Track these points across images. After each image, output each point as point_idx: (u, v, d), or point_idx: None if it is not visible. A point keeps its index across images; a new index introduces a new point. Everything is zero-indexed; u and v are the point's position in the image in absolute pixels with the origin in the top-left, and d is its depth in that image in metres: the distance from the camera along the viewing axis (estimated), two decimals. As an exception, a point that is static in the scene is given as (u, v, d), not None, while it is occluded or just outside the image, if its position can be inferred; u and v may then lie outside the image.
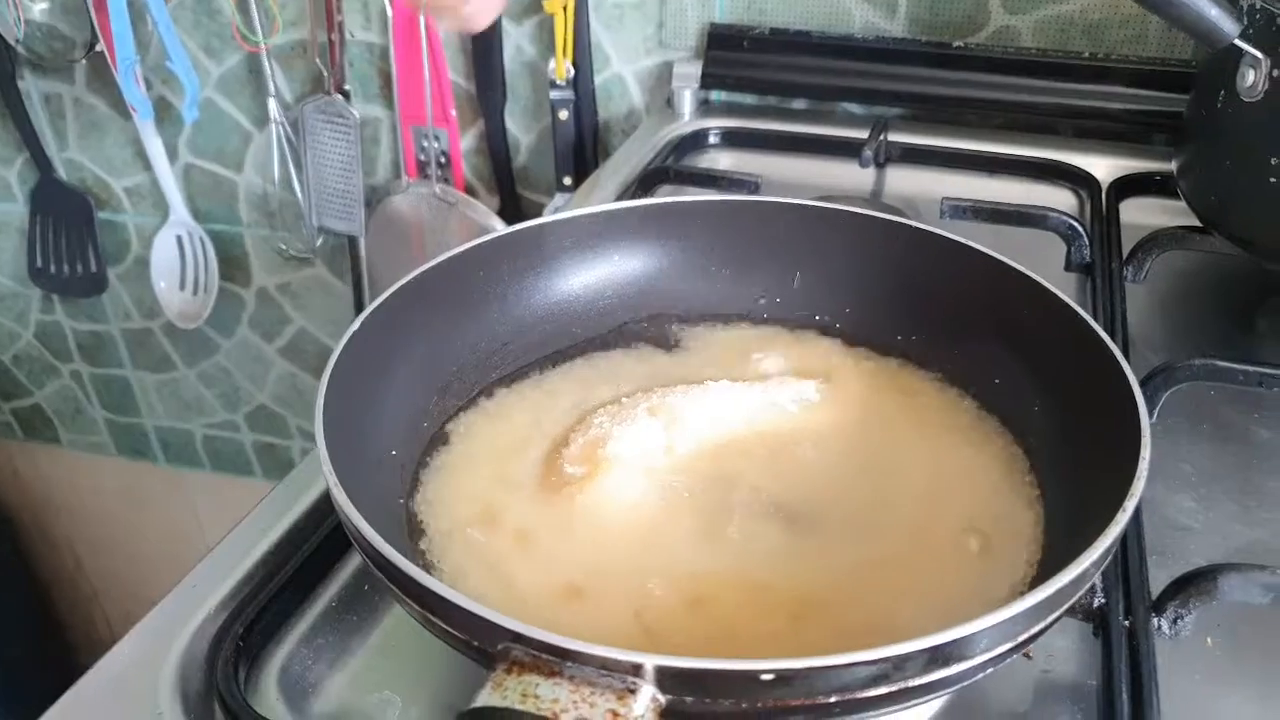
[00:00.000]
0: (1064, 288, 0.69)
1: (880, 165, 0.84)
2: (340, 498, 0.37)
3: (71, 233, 1.21)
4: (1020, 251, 0.74)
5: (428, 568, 0.42)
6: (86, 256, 1.22)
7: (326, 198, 1.07)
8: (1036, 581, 0.40)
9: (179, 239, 1.18)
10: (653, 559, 0.42)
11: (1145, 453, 0.39)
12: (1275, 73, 0.56)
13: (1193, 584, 0.42)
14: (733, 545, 0.42)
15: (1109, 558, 0.37)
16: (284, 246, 1.15)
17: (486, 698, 0.30)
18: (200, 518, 1.47)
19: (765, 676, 0.30)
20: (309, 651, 0.46)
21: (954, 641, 0.32)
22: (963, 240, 0.51)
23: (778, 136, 0.87)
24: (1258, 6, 0.57)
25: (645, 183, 0.77)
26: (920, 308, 0.52)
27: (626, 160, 0.87)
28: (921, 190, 0.81)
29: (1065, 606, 0.36)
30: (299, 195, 1.08)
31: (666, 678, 0.31)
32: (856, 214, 0.53)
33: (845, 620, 0.39)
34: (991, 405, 0.49)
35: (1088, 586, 0.38)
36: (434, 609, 0.34)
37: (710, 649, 0.38)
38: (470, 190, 1.05)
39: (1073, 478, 0.42)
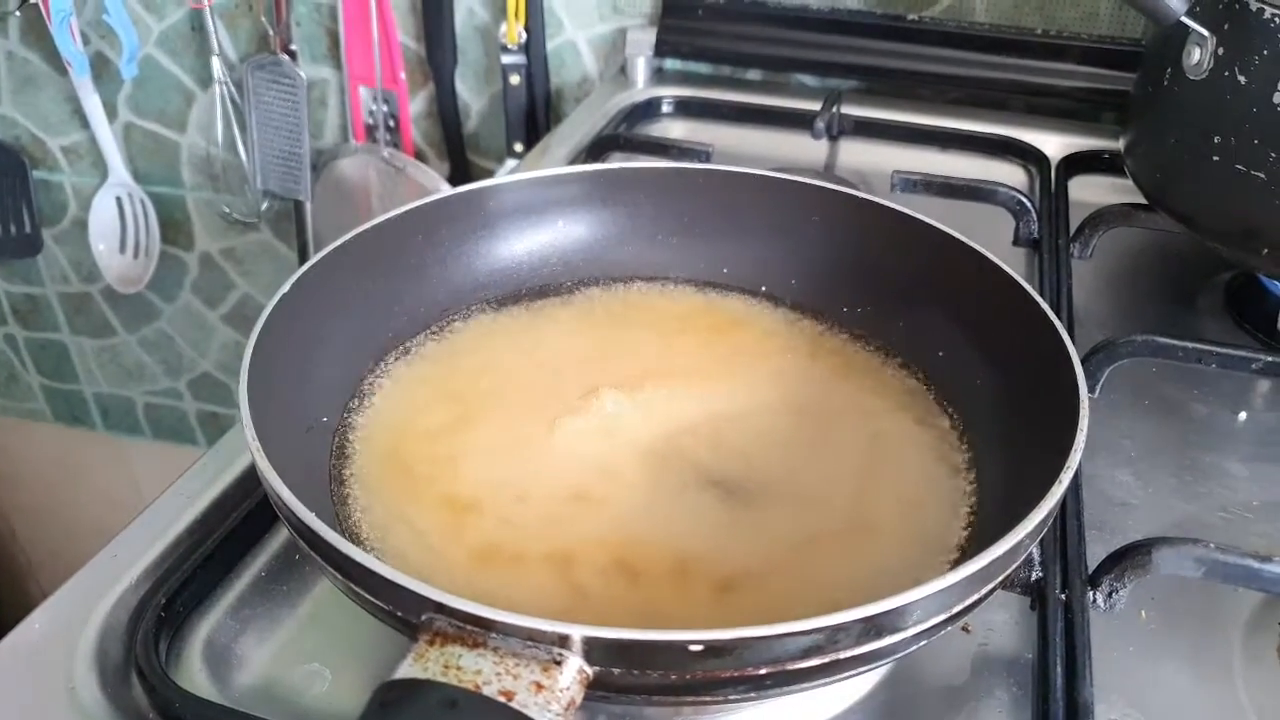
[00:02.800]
0: (1012, 263, 0.70)
1: (833, 138, 0.84)
2: (263, 464, 0.36)
3: (4, 192, 1.17)
4: (970, 226, 0.74)
5: (354, 536, 0.41)
6: (21, 217, 1.18)
7: (272, 161, 1.04)
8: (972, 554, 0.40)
9: (119, 200, 1.15)
10: (587, 527, 0.41)
11: (1083, 424, 0.38)
12: (1220, 51, 0.56)
13: (1127, 557, 0.42)
14: (668, 517, 0.42)
15: (1044, 530, 0.37)
16: (228, 210, 1.12)
17: (408, 669, 0.30)
18: (141, 487, 1.44)
19: (694, 648, 0.30)
20: (236, 622, 0.45)
21: (888, 612, 0.32)
22: (910, 212, 0.51)
23: (731, 107, 0.86)
24: (1206, -17, 0.57)
25: (595, 150, 0.76)
26: (867, 280, 0.52)
27: (577, 127, 0.85)
28: (874, 164, 0.81)
29: (1000, 579, 0.36)
30: (243, 158, 1.05)
31: (594, 649, 0.30)
32: (803, 184, 0.52)
33: (777, 591, 0.38)
34: (934, 378, 0.49)
35: (1022, 559, 0.38)
36: (356, 578, 0.33)
37: (639, 620, 0.38)
38: (420, 155, 1.03)
39: (1011, 453, 0.42)
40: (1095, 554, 0.46)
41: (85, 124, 1.10)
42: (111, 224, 1.15)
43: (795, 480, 0.44)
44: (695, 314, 0.54)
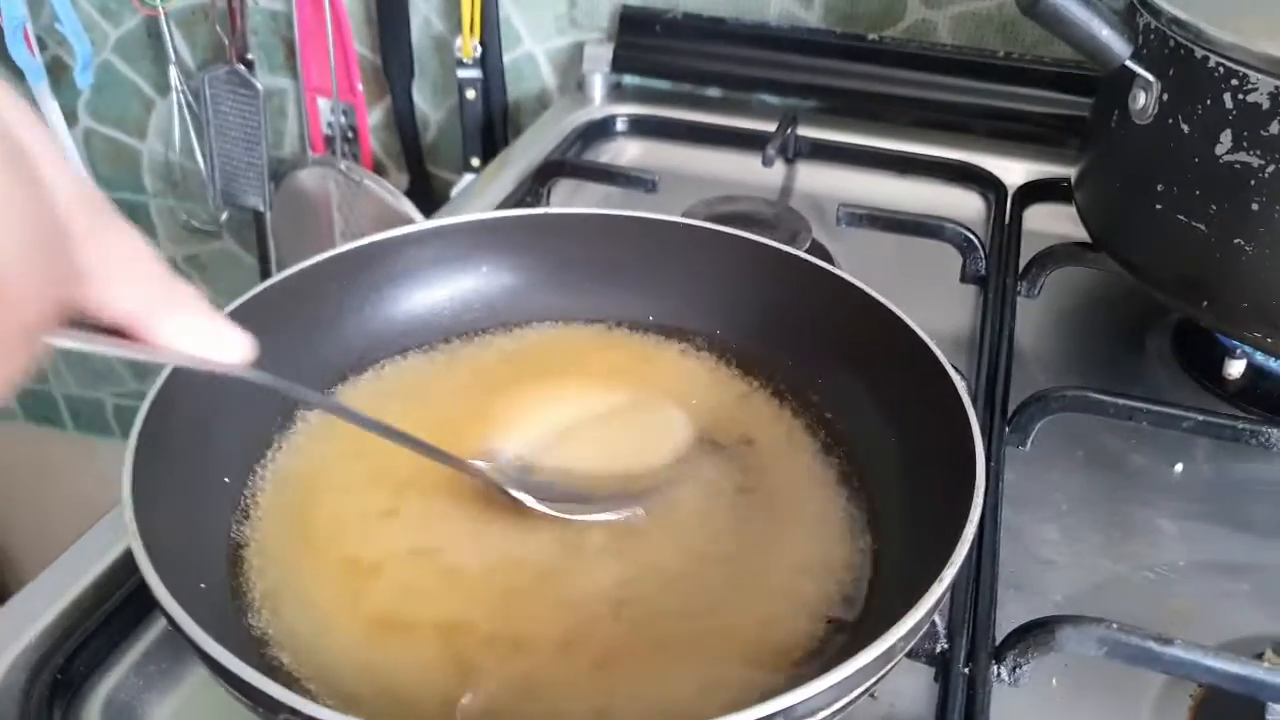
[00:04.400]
0: (959, 300, 0.70)
1: (790, 160, 0.83)
2: (140, 556, 0.35)
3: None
4: (924, 260, 0.74)
5: (246, 604, 0.41)
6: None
7: (232, 170, 1.03)
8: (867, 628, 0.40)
9: (80, 205, 1.13)
10: (476, 594, 0.41)
11: (974, 513, 0.37)
12: (1165, 97, 0.55)
13: (1031, 634, 0.41)
14: (556, 585, 0.41)
15: (933, 612, 0.36)
16: (187, 218, 1.11)
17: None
18: (111, 487, 1.43)
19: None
20: (139, 679, 0.45)
21: (781, 712, 0.31)
22: (828, 267, 0.50)
23: (686, 127, 0.85)
24: (1152, 26, 0.56)
25: (541, 175, 0.75)
26: (788, 333, 0.51)
27: (533, 143, 0.84)
28: (830, 189, 0.80)
29: (895, 660, 0.36)
30: (202, 166, 1.04)
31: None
32: (722, 233, 0.51)
33: (659, 669, 0.38)
34: (844, 438, 0.48)
35: (919, 636, 0.37)
36: (219, 674, 0.32)
37: (523, 695, 0.37)
38: (379, 167, 1.02)
39: (913, 525, 0.42)
40: (1010, 615, 0.45)
41: (45, 129, 1.09)
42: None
43: (688, 545, 0.43)
44: (604, 356, 0.53)
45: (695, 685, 0.37)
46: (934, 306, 0.67)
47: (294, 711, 0.30)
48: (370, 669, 0.38)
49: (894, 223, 0.69)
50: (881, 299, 0.47)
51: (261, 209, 1.03)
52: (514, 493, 0.43)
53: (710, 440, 0.49)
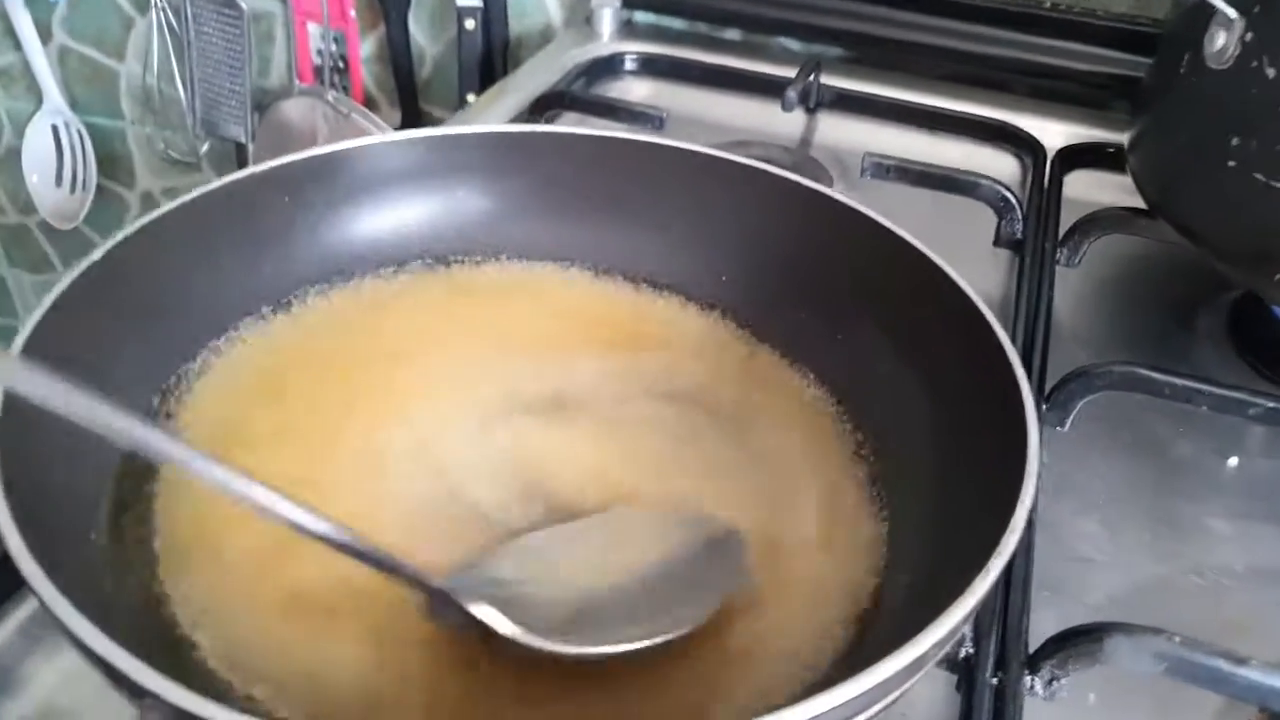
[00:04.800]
0: (991, 266, 0.63)
1: (810, 110, 0.76)
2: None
3: (-67, 113, 1.09)
4: (954, 221, 0.67)
5: (146, 558, 0.34)
6: (-50, 140, 1.11)
7: (213, 97, 0.96)
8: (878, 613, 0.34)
9: (54, 129, 1.07)
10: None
11: (1028, 488, 0.31)
12: (1248, 37, 0.48)
13: (1073, 643, 0.35)
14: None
15: (974, 613, 0.30)
16: (166, 148, 1.04)
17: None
18: None
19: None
20: (25, 641, 0.39)
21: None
22: (857, 206, 0.43)
23: (701, 69, 0.78)
24: (1237, -45, 0.49)
25: (539, 106, 0.68)
26: (805, 283, 0.44)
27: (532, 76, 0.77)
28: (852, 143, 0.73)
29: (919, 673, 0.29)
30: (181, 93, 0.97)
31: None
32: (737, 163, 0.45)
33: (634, 683, 0.32)
34: (860, 406, 0.41)
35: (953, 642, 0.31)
36: (87, 653, 0.26)
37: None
38: (370, 102, 0.95)
39: (944, 511, 0.35)
40: (1042, 622, 0.39)
41: (18, 44, 1.02)
42: (47, 154, 1.08)
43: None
44: (592, 309, 0.46)
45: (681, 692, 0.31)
46: (964, 270, 0.60)
47: (158, 697, 0.24)
48: (287, 649, 0.32)
49: (924, 176, 0.63)
50: (925, 250, 0.41)
51: (243, 140, 0.97)
52: (499, 627, 0.31)
53: (707, 409, 0.42)
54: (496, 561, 0.34)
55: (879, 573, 0.35)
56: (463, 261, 0.47)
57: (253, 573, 0.34)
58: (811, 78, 0.73)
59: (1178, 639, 0.34)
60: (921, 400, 0.38)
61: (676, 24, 0.84)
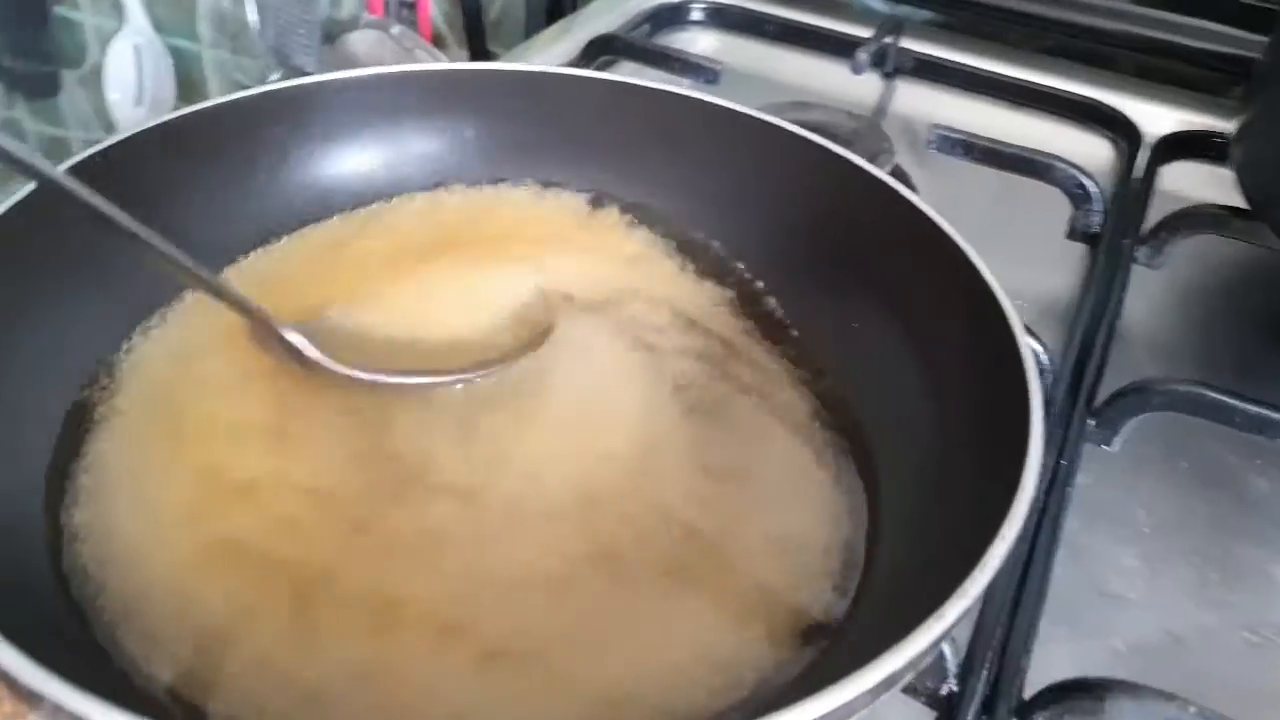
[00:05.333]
0: (1063, 258, 0.57)
1: (887, 75, 0.70)
2: None
3: (23, 24, 1.11)
4: (1026, 207, 0.61)
5: (67, 487, 0.32)
6: (38, 53, 1.12)
7: (285, 25, 0.95)
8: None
9: (136, 49, 1.07)
10: (358, 546, 0.31)
11: (1023, 495, 0.27)
12: (1379, 15, 0.42)
13: (1071, 698, 0.30)
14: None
15: (945, 636, 0.25)
16: (241, 76, 1.03)
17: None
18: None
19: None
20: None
21: None
22: (867, 167, 0.38)
23: (773, 24, 0.73)
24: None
25: (590, 51, 0.64)
26: (802, 250, 0.40)
27: (594, 19, 0.73)
28: (930, 114, 0.67)
29: (882, 695, 0.25)
30: (252, 18, 0.96)
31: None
32: (744, 115, 0.41)
33: (562, 667, 0.28)
34: (845, 388, 0.37)
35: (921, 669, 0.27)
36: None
37: (362, 681, 0.28)
38: (438, 39, 0.93)
39: (930, 513, 0.31)
40: (1050, 657, 0.35)
41: (105, -38, 1.03)
42: (128, 74, 1.08)
43: (624, 502, 0.33)
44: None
45: (582, 689, 0.28)
46: (1029, 262, 0.55)
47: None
48: (197, 601, 0.30)
49: (994, 154, 0.57)
50: (944, 224, 0.36)
51: (311, 70, 0.95)
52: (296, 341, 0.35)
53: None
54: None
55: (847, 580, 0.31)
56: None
57: (179, 516, 0.32)
58: (889, 40, 0.67)
59: (1193, 709, 0.29)
60: (921, 386, 0.34)
61: (755, -25, 0.79)
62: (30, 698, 0.21)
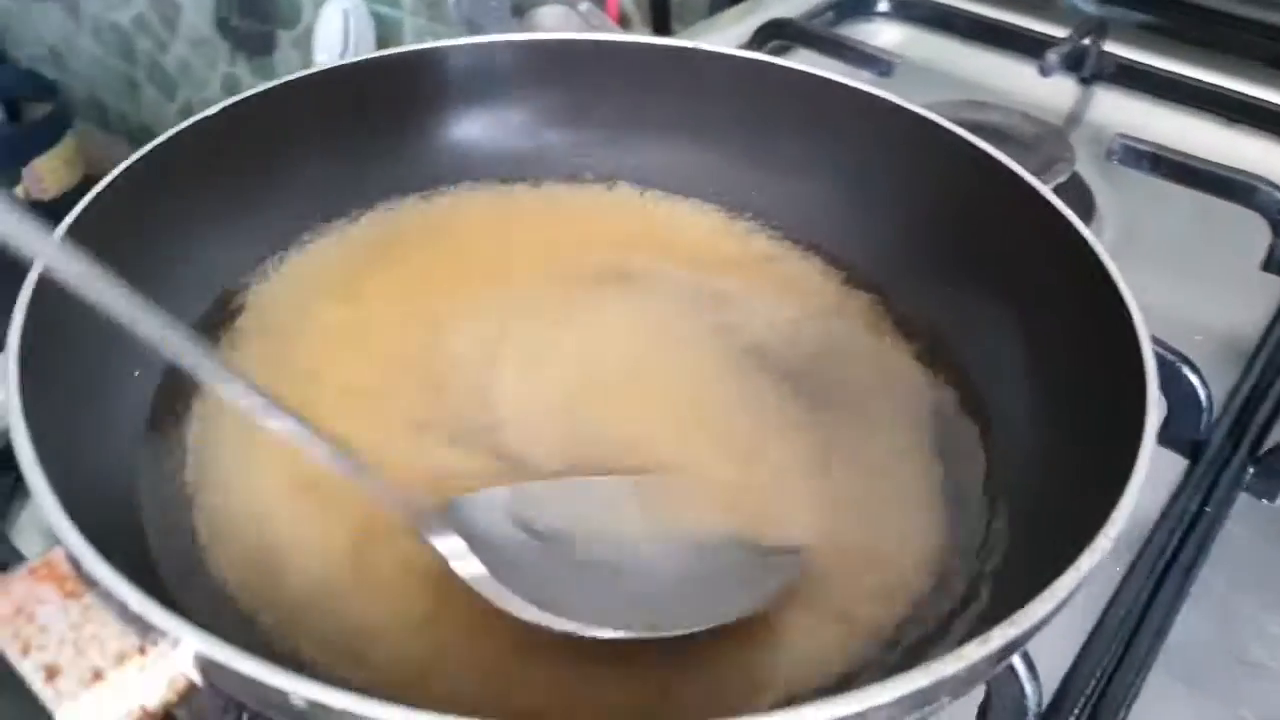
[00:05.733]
0: (1257, 291, 0.51)
1: (1085, 81, 0.65)
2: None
3: (250, -12, 1.19)
4: (1222, 232, 0.56)
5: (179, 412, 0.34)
6: (262, 14, 1.20)
7: (482, -4, 0.98)
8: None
9: (345, 13, 1.13)
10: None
11: (1119, 516, 0.24)
12: None
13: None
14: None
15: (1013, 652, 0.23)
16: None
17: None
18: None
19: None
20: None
21: None
22: (966, 136, 0.36)
23: (964, 20, 0.69)
24: None
25: (760, 35, 0.63)
26: (918, 231, 0.38)
27: (776, 4, 0.71)
28: (1131, 126, 0.62)
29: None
30: (453, -13, 1.00)
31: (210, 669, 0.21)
32: (877, 98, 0.39)
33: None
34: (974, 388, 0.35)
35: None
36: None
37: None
38: (624, 19, 0.93)
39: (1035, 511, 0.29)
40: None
41: (325, -74, 1.09)
42: (335, 36, 1.14)
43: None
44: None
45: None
46: (1216, 293, 0.50)
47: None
48: (274, 528, 0.31)
49: (1186, 170, 0.52)
50: (1080, 226, 0.33)
51: (501, 43, 0.98)
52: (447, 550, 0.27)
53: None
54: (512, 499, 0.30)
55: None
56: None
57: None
58: (1089, 41, 0.63)
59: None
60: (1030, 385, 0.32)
61: (955, -32, 0.75)
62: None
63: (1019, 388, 0.33)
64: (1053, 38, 0.64)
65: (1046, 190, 0.34)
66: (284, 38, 1.24)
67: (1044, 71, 0.60)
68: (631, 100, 0.44)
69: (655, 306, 0.39)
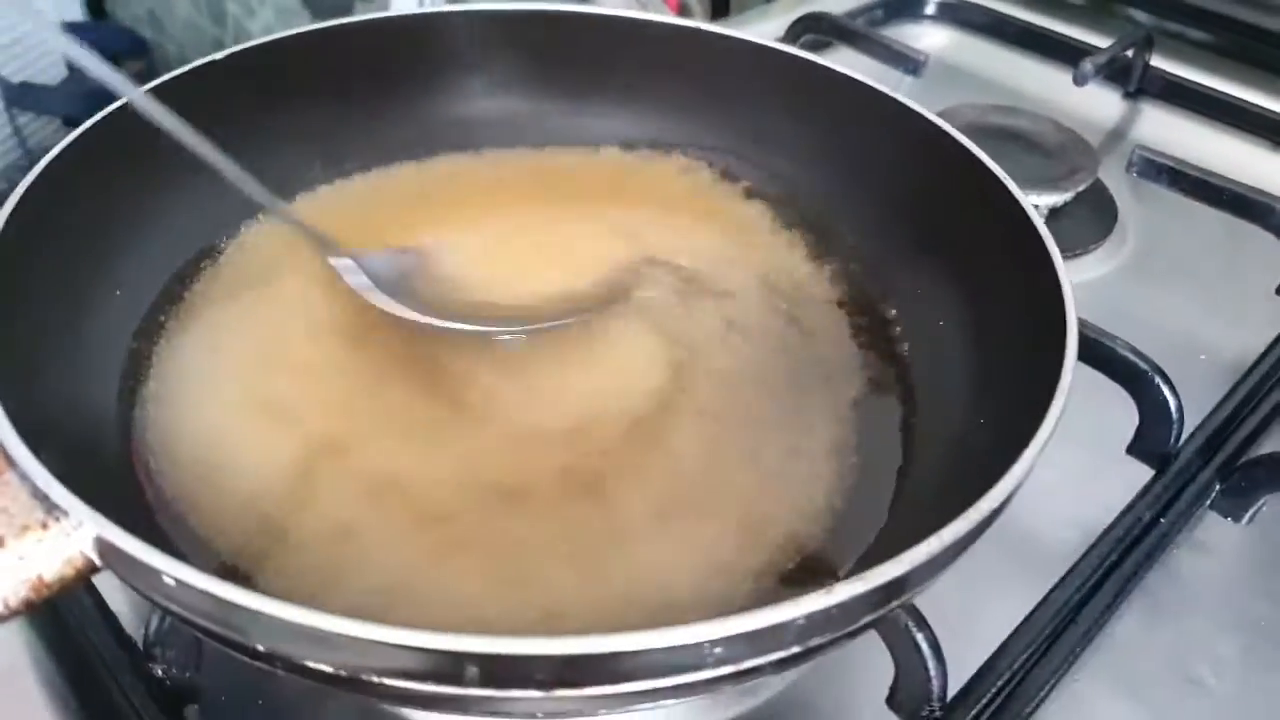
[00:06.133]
0: (1267, 315, 0.50)
1: (1130, 95, 0.64)
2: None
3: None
4: (1241, 253, 0.54)
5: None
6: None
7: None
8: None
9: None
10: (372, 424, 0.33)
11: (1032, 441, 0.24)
12: None
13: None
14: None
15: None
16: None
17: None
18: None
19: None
20: None
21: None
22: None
23: (1012, 27, 0.68)
24: None
25: (798, 27, 0.63)
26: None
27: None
28: (1172, 144, 0.60)
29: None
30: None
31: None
32: (842, 76, 0.40)
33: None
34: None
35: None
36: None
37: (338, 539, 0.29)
38: (684, 9, 0.94)
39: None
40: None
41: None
42: (410, 6, 1.17)
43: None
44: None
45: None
46: (1228, 313, 0.49)
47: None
48: (218, 443, 0.32)
49: (1205, 188, 0.51)
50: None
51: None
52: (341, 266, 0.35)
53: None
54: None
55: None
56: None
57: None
58: (1132, 53, 0.61)
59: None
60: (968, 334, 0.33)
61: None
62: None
63: (949, 366, 0.33)
64: (1094, 48, 0.63)
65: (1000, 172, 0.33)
66: (360, 7, 1.28)
67: (1078, 80, 0.59)
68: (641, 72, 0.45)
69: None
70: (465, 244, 0.40)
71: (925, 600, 0.30)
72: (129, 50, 1.54)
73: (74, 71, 1.51)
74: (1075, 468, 0.41)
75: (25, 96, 1.42)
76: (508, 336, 0.35)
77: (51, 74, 1.48)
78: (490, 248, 0.40)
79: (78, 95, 1.39)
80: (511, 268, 0.39)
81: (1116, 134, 0.64)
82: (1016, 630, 0.32)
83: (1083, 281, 0.51)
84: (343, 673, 0.21)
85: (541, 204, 0.42)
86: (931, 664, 0.29)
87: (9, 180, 0.32)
